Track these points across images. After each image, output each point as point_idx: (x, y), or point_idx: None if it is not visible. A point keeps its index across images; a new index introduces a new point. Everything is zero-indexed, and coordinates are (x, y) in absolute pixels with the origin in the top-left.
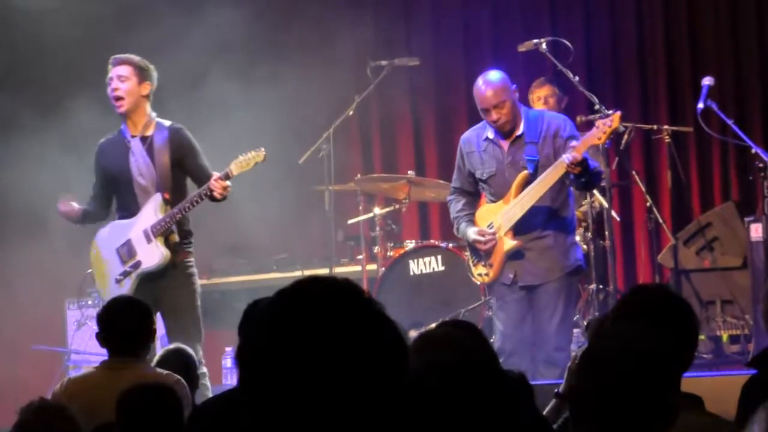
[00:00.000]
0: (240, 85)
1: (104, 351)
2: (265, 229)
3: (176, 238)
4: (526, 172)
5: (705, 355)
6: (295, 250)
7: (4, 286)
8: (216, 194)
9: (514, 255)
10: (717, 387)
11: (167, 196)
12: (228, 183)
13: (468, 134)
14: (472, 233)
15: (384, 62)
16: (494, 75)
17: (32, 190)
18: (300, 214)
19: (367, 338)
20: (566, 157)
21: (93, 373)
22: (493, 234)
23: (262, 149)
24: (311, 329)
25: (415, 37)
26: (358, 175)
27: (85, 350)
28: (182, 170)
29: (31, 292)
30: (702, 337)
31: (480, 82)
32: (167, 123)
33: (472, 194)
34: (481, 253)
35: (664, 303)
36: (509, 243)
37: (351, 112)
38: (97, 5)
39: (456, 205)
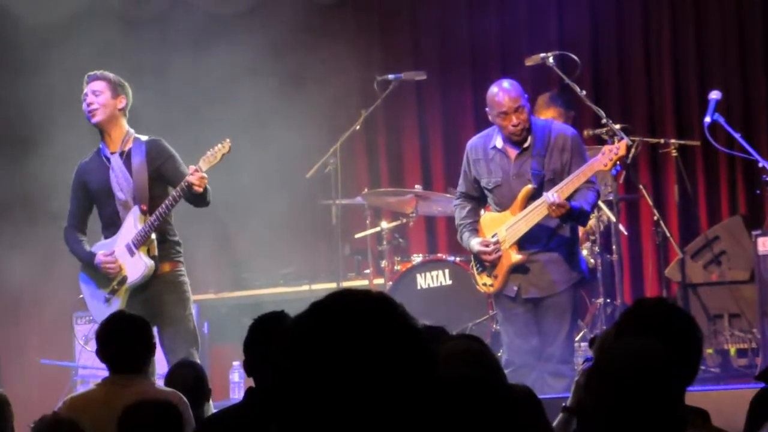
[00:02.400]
0: (246, 100)
1: None
2: (271, 243)
3: (155, 249)
4: (530, 186)
5: (712, 369)
6: (302, 264)
7: (12, 300)
8: (196, 187)
9: (518, 268)
10: (724, 401)
11: (144, 207)
12: (203, 174)
13: (475, 141)
14: (475, 244)
15: (391, 76)
16: (510, 82)
17: (41, 204)
18: (307, 228)
19: (401, 353)
20: (549, 196)
21: (95, 389)
22: (497, 245)
23: (227, 140)
24: (345, 343)
25: (422, 51)
26: (365, 190)
27: (93, 365)
28: (163, 180)
29: (39, 307)
30: (709, 350)
31: (496, 89)
32: (144, 137)
33: (477, 200)
34: (486, 264)
35: (667, 317)
36: (515, 257)
37: (358, 127)
38: (105, 23)
39: (461, 212)
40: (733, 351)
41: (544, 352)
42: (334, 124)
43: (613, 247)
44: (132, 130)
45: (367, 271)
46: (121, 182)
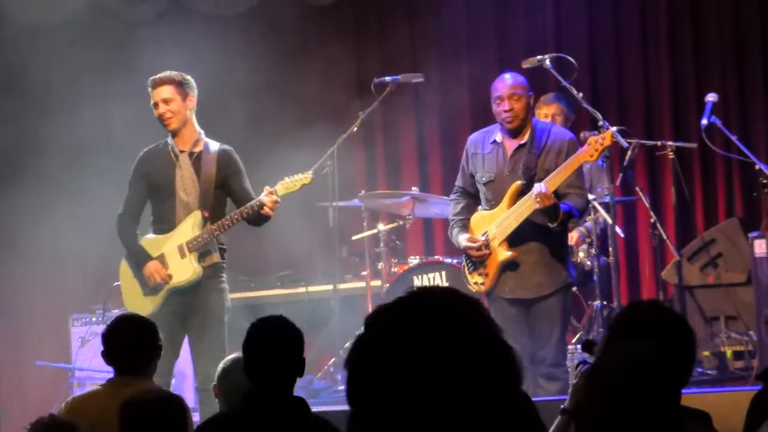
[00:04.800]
0: (244, 102)
1: (108, 368)
2: (269, 245)
3: (217, 258)
4: (519, 182)
5: (709, 372)
6: (300, 266)
7: (9, 302)
8: (267, 208)
9: (508, 268)
10: (721, 403)
11: (206, 213)
12: (278, 198)
13: (476, 136)
14: (463, 240)
15: (388, 78)
16: (515, 74)
17: (38, 204)
18: (304, 230)
19: (489, 360)
20: (536, 186)
21: (98, 390)
22: (485, 242)
23: (310, 172)
24: (433, 346)
25: (420, 53)
26: (363, 192)
27: (89, 367)
28: (225, 191)
29: (36, 308)
30: (706, 353)
31: (498, 77)
32: (217, 144)
33: (473, 196)
34: (476, 262)
35: (660, 319)
36: (504, 254)
37: (355, 129)
38: (101, 24)
39: (455, 207)
40: (729, 353)
41: (537, 354)
42: (331, 126)
43: (610, 249)
44: (203, 132)
45: (364, 273)
46: (187, 183)
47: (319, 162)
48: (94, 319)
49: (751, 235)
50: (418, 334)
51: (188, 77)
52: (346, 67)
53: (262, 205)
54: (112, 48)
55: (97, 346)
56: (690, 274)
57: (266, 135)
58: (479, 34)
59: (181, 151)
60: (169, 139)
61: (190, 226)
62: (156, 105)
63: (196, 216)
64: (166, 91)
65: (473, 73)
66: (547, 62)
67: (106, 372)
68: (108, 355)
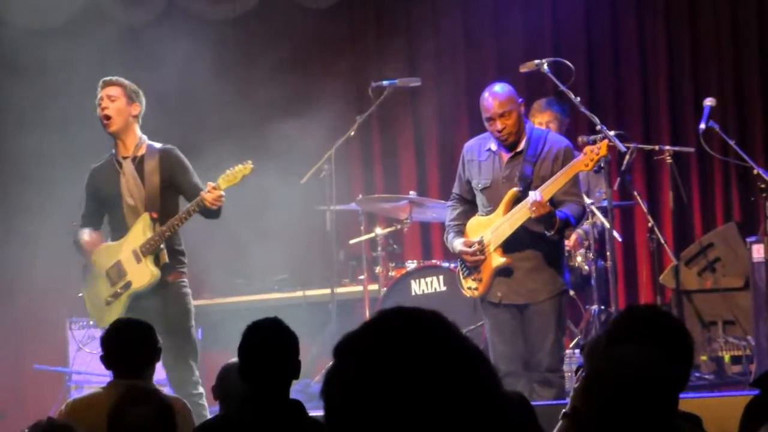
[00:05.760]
0: (241, 106)
1: (105, 371)
2: (266, 249)
3: (166, 257)
4: (515, 189)
5: (707, 376)
6: (297, 270)
7: (6, 305)
8: (207, 203)
9: (502, 272)
10: (719, 408)
11: (155, 215)
12: (221, 192)
13: (471, 143)
14: (458, 244)
15: (385, 83)
16: (501, 86)
17: (35, 207)
18: (301, 234)
19: (467, 372)
20: (531, 194)
21: (98, 393)
22: (480, 247)
23: (249, 162)
24: (408, 366)
25: (417, 57)
26: (360, 195)
27: (86, 370)
28: (174, 189)
29: (34, 312)
30: (704, 357)
31: (486, 93)
32: (158, 144)
33: (470, 202)
34: (470, 267)
35: (657, 323)
36: (498, 260)
37: (353, 133)
38: (100, 27)
39: (452, 213)
40: (727, 358)
41: (532, 360)
42: (329, 130)
43: (608, 253)
44: (145, 137)
45: (362, 277)
46: (132, 188)
47: (316, 166)
48: (91, 322)
49: (749, 239)
50: (393, 356)
51: (139, 90)
52: (344, 70)
53: (203, 200)
54: (109, 51)
55: (95, 349)
56: (688, 278)
57: (262, 138)
58: (476, 38)
59: (124, 158)
60: (113, 149)
61: (141, 230)
62: (101, 101)
63: (145, 219)
64: (114, 90)
65: (471, 77)
66: (545, 66)
67: (104, 375)
68: (107, 360)
